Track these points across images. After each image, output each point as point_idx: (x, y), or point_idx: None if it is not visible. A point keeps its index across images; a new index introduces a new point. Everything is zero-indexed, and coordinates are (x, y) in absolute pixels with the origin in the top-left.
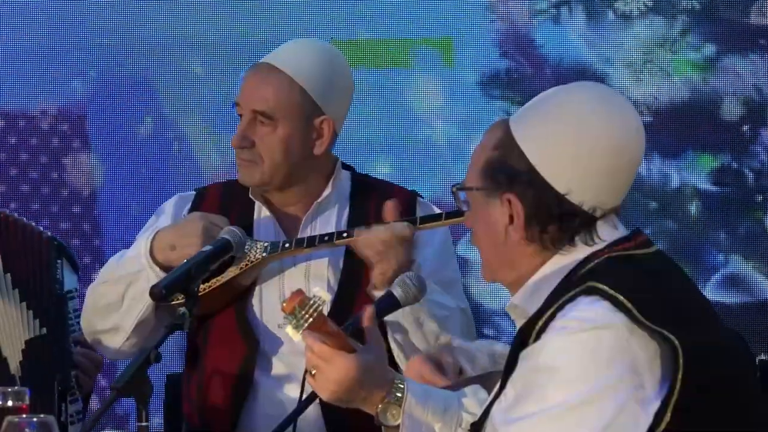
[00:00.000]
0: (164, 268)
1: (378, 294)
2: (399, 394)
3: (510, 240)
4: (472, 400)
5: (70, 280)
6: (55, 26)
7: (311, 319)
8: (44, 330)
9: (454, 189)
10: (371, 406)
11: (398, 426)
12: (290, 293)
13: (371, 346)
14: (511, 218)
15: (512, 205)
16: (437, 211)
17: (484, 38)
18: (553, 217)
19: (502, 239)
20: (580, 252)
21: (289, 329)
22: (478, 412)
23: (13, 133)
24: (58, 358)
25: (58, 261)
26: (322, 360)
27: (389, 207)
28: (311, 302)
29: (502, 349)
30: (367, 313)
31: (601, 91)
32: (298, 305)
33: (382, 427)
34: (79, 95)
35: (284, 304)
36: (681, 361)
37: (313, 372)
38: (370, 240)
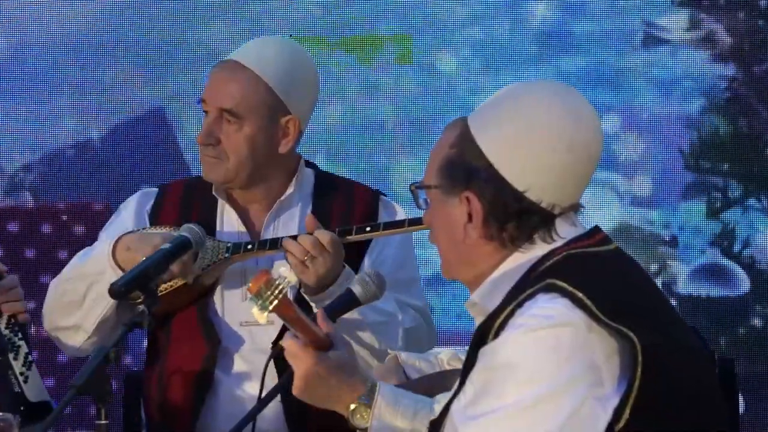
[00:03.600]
0: (124, 270)
1: (311, 298)
2: (370, 397)
3: (469, 238)
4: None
5: None
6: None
7: (276, 301)
8: None
9: (413, 187)
10: (342, 406)
11: (367, 429)
12: (256, 274)
13: (341, 344)
14: (470, 216)
15: (471, 203)
16: (399, 210)
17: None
18: (512, 215)
19: (461, 237)
20: (539, 249)
21: (255, 311)
22: None
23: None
24: None
25: None
26: (289, 356)
27: (307, 220)
28: (277, 282)
29: (447, 356)
30: (319, 315)
31: (560, 89)
32: (264, 285)
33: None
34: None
35: (250, 285)
36: (640, 358)
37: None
38: (290, 250)
